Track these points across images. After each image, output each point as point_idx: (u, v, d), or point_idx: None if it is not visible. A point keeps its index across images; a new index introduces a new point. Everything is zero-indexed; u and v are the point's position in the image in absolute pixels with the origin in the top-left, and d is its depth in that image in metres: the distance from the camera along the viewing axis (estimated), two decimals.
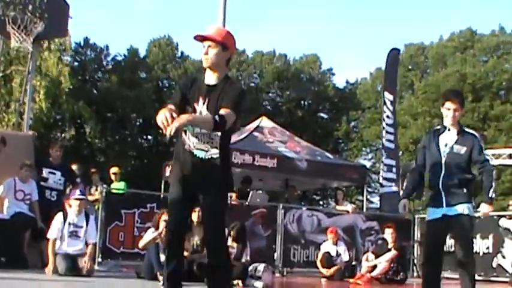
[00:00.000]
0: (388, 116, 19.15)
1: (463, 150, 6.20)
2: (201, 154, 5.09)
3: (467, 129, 6.40)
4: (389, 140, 18.99)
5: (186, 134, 5.11)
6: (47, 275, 9.06)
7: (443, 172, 6.19)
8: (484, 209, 6.25)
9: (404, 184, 6.66)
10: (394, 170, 18.52)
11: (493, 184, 6.23)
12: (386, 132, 19.08)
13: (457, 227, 6.24)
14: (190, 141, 5.09)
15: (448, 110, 6.23)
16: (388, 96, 19.36)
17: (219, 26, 5.13)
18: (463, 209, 6.15)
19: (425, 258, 6.48)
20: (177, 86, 5.40)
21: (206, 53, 5.09)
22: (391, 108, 19.25)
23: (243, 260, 9.60)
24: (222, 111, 4.87)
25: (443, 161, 6.21)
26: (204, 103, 5.08)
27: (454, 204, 6.16)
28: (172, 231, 5.24)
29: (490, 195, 6.19)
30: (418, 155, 6.57)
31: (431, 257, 6.38)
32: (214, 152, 5.06)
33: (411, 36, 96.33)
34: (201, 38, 5.12)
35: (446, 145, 6.25)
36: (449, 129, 6.29)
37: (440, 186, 6.19)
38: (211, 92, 5.10)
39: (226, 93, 5.04)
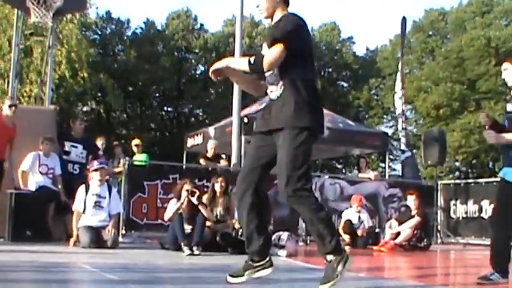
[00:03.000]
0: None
1: None
2: (272, 95, 4.99)
3: None
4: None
5: (265, 79, 5.07)
6: (69, 247, 9.16)
7: None
8: None
9: None
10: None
11: None
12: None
13: None
14: (267, 85, 5.05)
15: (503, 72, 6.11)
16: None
17: None
18: None
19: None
20: None
21: (257, 6, 5.03)
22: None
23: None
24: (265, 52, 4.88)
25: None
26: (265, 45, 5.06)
27: None
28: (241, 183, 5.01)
29: None
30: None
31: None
32: (281, 90, 4.89)
33: (431, 1, 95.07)
34: None
35: None
36: None
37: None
38: (268, 32, 5.09)
39: (271, 29, 4.94)
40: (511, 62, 6.06)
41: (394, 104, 20.33)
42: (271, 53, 4.78)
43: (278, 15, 4.98)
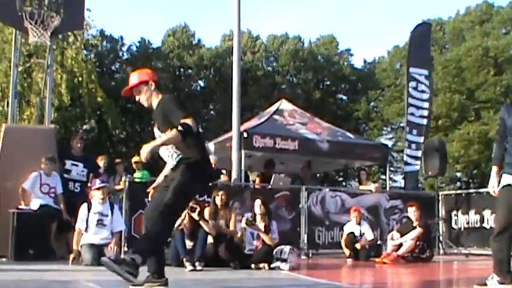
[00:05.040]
0: (423, 91, 18.65)
1: None
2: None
3: None
4: (422, 116, 18.41)
5: None
6: (70, 265, 9.16)
7: None
8: None
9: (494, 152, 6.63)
10: (414, 146, 18.23)
11: None
12: (419, 107, 18.62)
13: None
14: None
15: None
16: (421, 71, 18.85)
17: (133, 73, 6.14)
18: None
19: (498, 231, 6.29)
20: None
21: (139, 100, 5.98)
22: (426, 82, 18.68)
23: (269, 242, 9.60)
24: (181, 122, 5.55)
25: None
26: (155, 126, 6.05)
27: None
28: None
29: None
30: (499, 127, 6.60)
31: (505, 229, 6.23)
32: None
33: (429, 12, 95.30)
34: (127, 92, 5.99)
35: None
36: None
37: None
38: (155, 114, 5.96)
39: (166, 112, 5.76)
40: None
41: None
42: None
43: (156, 98, 6.04)
